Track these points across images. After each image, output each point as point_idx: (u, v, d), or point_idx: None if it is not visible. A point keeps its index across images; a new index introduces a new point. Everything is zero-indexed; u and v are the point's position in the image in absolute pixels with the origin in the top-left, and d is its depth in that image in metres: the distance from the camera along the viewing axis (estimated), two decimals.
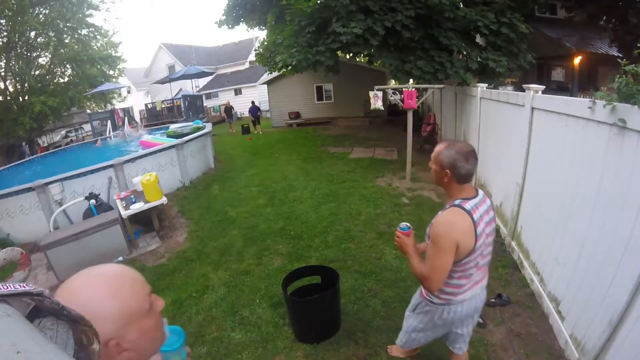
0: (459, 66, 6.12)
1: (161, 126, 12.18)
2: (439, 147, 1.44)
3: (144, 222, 4.93)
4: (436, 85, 6.07)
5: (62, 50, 13.70)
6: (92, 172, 5.44)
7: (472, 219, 1.36)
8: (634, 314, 1.66)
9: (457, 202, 1.39)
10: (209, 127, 8.75)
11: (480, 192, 1.46)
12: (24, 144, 15.12)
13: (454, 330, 1.74)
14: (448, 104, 7.62)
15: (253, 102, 15.18)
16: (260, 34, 18.46)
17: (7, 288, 0.80)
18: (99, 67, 15.35)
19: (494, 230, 1.49)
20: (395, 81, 7.19)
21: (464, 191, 1.42)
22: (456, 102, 6.67)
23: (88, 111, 17.07)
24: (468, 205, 1.38)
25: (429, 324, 1.72)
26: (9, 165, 8.49)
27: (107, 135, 11.10)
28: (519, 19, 6.19)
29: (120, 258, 4.19)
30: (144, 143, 8.11)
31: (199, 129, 7.96)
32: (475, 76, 6.32)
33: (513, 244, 3.44)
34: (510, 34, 6.13)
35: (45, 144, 18.26)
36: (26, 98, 13.09)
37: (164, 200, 4.63)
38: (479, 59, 6.14)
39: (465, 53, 6.41)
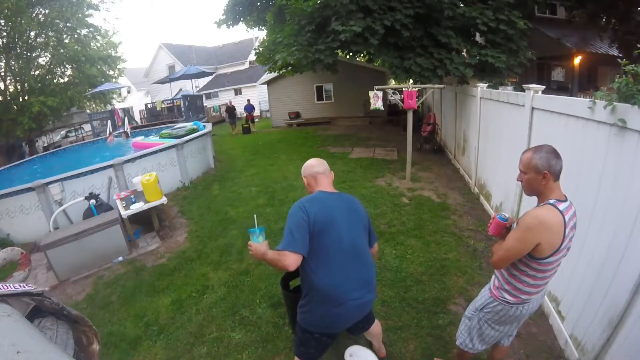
0: (459, 62, 6.12)
1: (161, 126, 12.18)
2: (527, 155, 1.49)
3: (144, 222, 4.93)
4: (436, 85, 6.06)
5: (61, 50, 13.70)
6: (92, 172, 5.44)
7: (564, 218, 1.41)
8: (634, 314, 1.67)
9: (551, 201, 1.45)
10: (209, 127, 8.75)
11: (568, 198, 1.51)
12: (23, 144, 15.12)
13: (515, 324, 1.79)
14: (448, 104, 7.62)
15: (249, 101, 16.30)
16: (260, 34, 18.52)
17: (7, 288, 0.80)
18: (98, 67, 15.35)
19: (573, 237, 1.53)
20: (395, 80, 7.17)
21: (555, 192, 1.47)
22: (456, 102, 6.67)
23: (88, 111, 17.08)
24: (561, 206, 1.43)
25: (499, 322, 1.73)
26: (9, 165, 8.49)
27: (108, 135, 11.10)
28: (518, 15, 6.21)
29: (120, 258, 4.19)
30: (136, 145, 8.07)
31: (194, 130, 7.90)
32: (476, 74, 6.31)
33: None
34: (508, 31, 6.14)
35: (46, 144, 18.25)
36: (26, 98, 13.09)
37: (164, 200, 4.63)
38: (478, 57, 6.14)
39: (464, 50, 6.42)
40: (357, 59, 12.48)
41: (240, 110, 17.50)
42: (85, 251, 3.98)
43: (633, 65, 1.71)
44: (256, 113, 21.94)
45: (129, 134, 10.77)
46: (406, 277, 3.22)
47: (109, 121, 11.57)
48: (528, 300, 1.60)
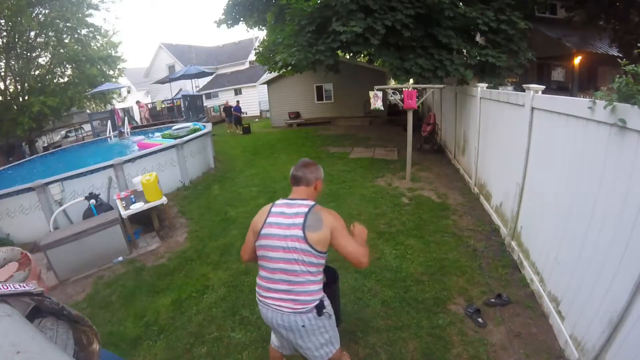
0: (459, 63, 6.12)
1: (161, 126, 12.18)
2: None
3: (144, 222, 4.93)
4: (436, 85, 6.06)
5: (61, 50, 13.71)
6: (92, 172, 5.43)
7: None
8: (634, 314, 1.67)
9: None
10: (209, 127, 8.75)
11: (300, 201, 1.69)
12: (23, 144, 15.12)
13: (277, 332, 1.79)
14: (448, 104, 7.62)
15: (238, 102, 16.33)
16: (260, 34, 18.47)
17: (7, 288, 0.80)
18: (98, 67, 15.37)
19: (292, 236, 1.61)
20: (395, 80, 7.18)
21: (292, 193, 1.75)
22: (456, 102, 6.67)
23: (88, 111, 17.09)
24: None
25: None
26: (9, 165, 8.49)
27: (107, 135, 11.11)
28: (518, 16, 6.21)
29: (121, 258, 4.19)
30: (141, 145, 8.10)
31: (195, 131, 7.93)
32: (476, 74, 6.31)
33: (513, 244, 3.44)
34: (509, 31, 6.15)
35: (46, 144, 18.25)
36: (26, 98, 13.10)
37: (164, 200, 4.63)
38: (478, 58, 6.14)
39: (465, 51, 6.42)
40: (358, 59, 12.48)
41: (244, 111, 17.46)
42: (85, 251, 3.98)
43: (633, 65, 1.71)
44: (256, 113, 21.98)
45: (127, 134, 10.78)
46: (406, 277, 3.22)
47: (109, 121, 11.57)
48: (260, 299, 1.70)
